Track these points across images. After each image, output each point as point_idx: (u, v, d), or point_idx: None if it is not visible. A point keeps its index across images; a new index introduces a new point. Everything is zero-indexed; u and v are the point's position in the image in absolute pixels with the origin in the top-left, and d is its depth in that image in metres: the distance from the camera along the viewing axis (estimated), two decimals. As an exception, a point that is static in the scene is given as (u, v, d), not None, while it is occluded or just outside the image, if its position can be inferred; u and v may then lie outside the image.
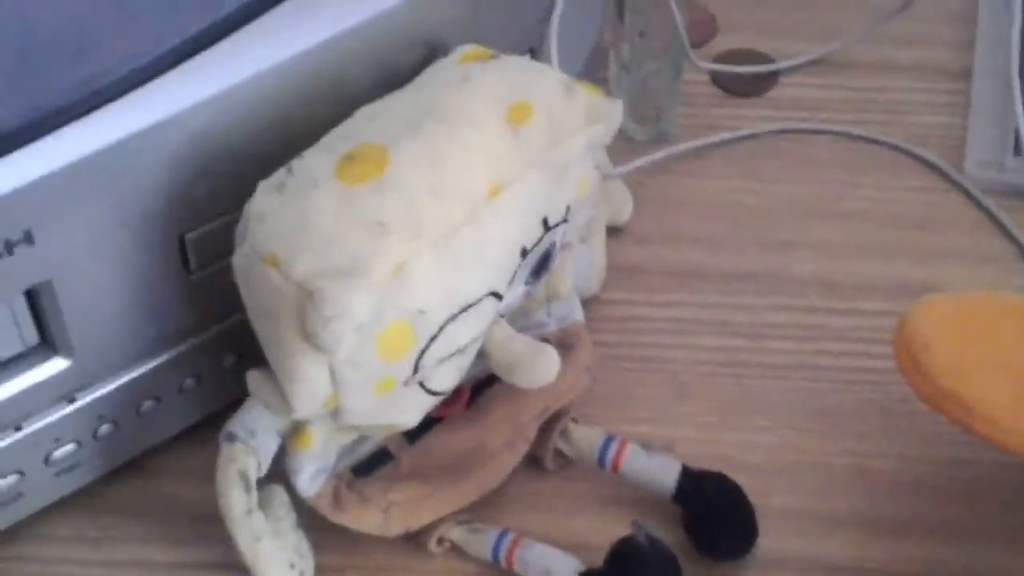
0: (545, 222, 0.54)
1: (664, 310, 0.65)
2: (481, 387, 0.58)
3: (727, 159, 0.71)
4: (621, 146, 0.69)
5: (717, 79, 0.75)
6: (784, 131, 0.72)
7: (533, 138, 0.52)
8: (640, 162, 0.70)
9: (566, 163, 0.53)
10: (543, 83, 0.53)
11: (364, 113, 0.53)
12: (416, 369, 0.52)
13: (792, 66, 0.74)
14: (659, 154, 0.70)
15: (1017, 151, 0.67)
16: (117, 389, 0.56)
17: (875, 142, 0.71)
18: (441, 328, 0.51)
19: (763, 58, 0.75)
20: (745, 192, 0.70)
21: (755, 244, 0.67)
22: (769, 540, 0.56)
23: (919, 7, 0.74)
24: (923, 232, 0.68)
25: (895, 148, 0.71)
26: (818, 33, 0.75)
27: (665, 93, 0.70)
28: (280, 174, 0.51)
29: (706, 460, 0.58)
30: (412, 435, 0.57)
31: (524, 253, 0.53)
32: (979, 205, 0.68)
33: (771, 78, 0.74)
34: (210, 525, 0.54)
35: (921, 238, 0.67)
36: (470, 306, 0.52)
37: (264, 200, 0.51)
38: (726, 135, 0.72)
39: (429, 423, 0.57)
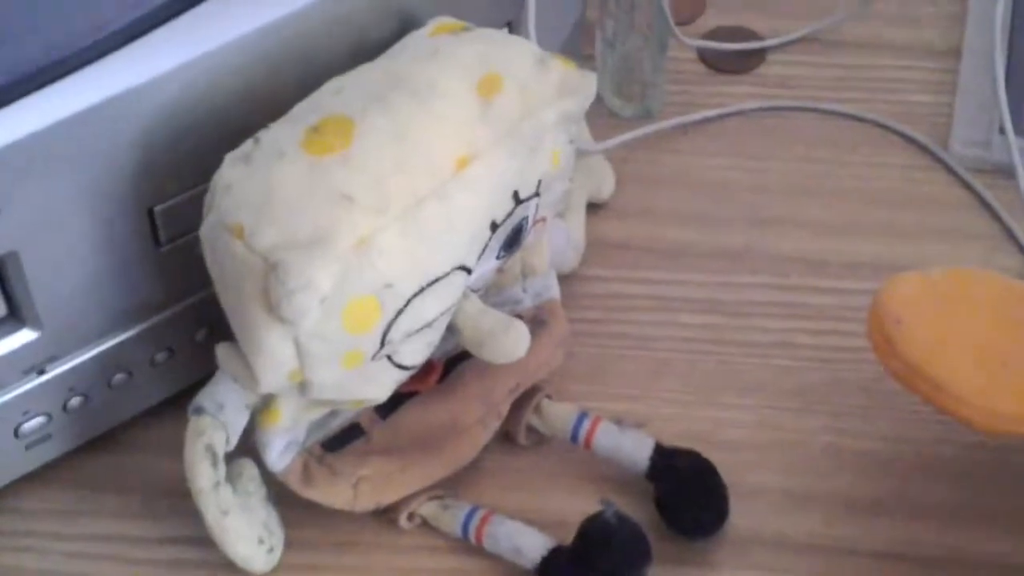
0: (516, 196, 0.53)
1: (644, 287, 0.65)
2: (454, 362, 0.58)
3: (713, 136, 0.70)
4: (605, 122, 0.69)
5: (704, 56, 0.74)
6: (771, 108, 0.71)
7: (504, 111, 0.52)
8: (624, 138, 0.69)
9: (538, 136, 0.53)
10: (515, 56, 0.53)
11: (332, 85, 0.52)
12: (383, 343, 0.51)
13: (780, 43, 0.74)
14: (644, 130, 0.70)
15: (1002, 130, 0.66)
16: (87, 361, 0.56)
17: (862, 120, 0.71)
18: (408, 302, 0.51)
19: (751, 35, 0.75)
20: (730, 169, 0.69)
21: (739, 222, 0.67)
22: (742, 518, 0.56)
23: (907, -16, 0.73)
24: (908, 210, 0.67)
25: (882, 126, 0.70)
26: (806, 11, 0.75)
27: (650, 70, 0.70)
28: (247, 145, 0.51)
29: (681, 438, 0.57)
30: (384, 410, 0.57)
31: (494, 227, 0.53)
32: (964, 183, 0.68)
33: (758, 55, 0.74)
34: (184, 499, 0.54)
35: (906, 216, 0.67)
36: (438, 280, 0.51)
37: (230, 171, 0.50)
38: (712, 112, 0.71)
39: (401, 398, 0.57)
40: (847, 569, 0.55)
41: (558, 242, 0.62)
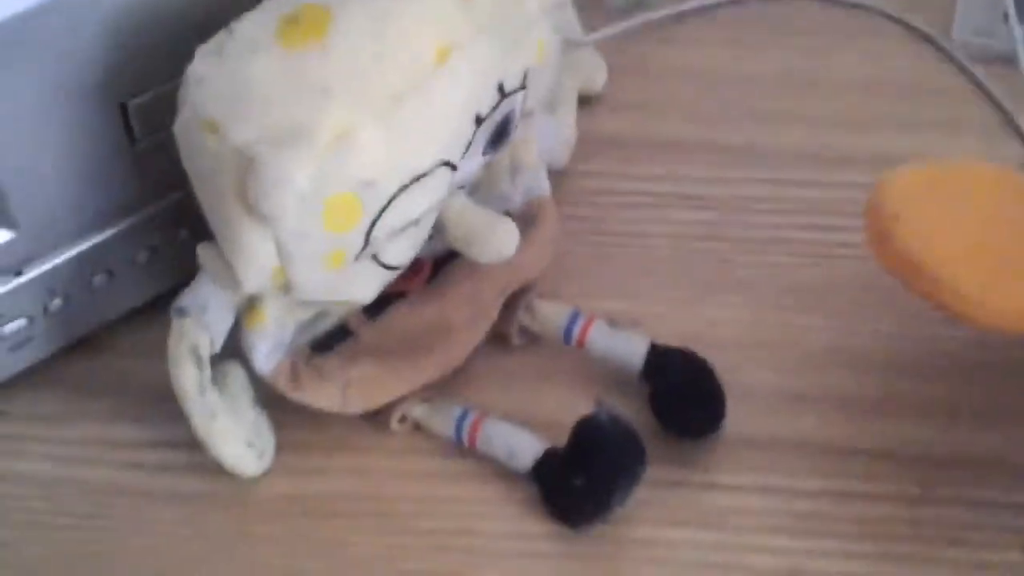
0: (501, 88, 0.51)
1: (637, 183, 0.63)
2: (443, 263, 0.57)
3: (708, 26, 0.69)
4: (596, 12, 0.67)
5: (700, -58, 0.72)
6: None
7: (484, 1, 0.50)
8: (615, 28, 0.67)
9: (520, 26, 0.51)
10: (499, -58, 0.51)
11: (309, -27, 0.50)
12: (367, 242, 0.50)
13: (778, -71, 0.72)
14: (636, 20, 0.68)
15: (1007, 17, 0.64)
16: (66, 262, 0.55)
17: (862, 8, 0.69)
18: (391, 199, 0.49)
19: (748, -80, 0.72)
20: (726, 60, 0.68)
21: (734, 115, 0.65)
22: (737, 418, 0.55)
23: None
24: (908, 101, 0.66)
25: (883, 15, 0.69)
26: None
27: (643, -43, 0.68)
28: (220, 36, 0.49)
29: (676, 337, 0.56)
30: (372, 311, 0.56)
31: (479, 120, 0.51)
32: (966, 73, 0.66)
33: (756, -59, 0.72)
34: (171, 402, 0.53)
35: (905, 107, 0.65)
36: (422, 176, 0.50)
37: (203, 64, 0.49)
38: (708, 0, 0.69)
39: (389, 299, 0.56)
40: (843, 468, 0.54)
41: (547, 137, 0.60)
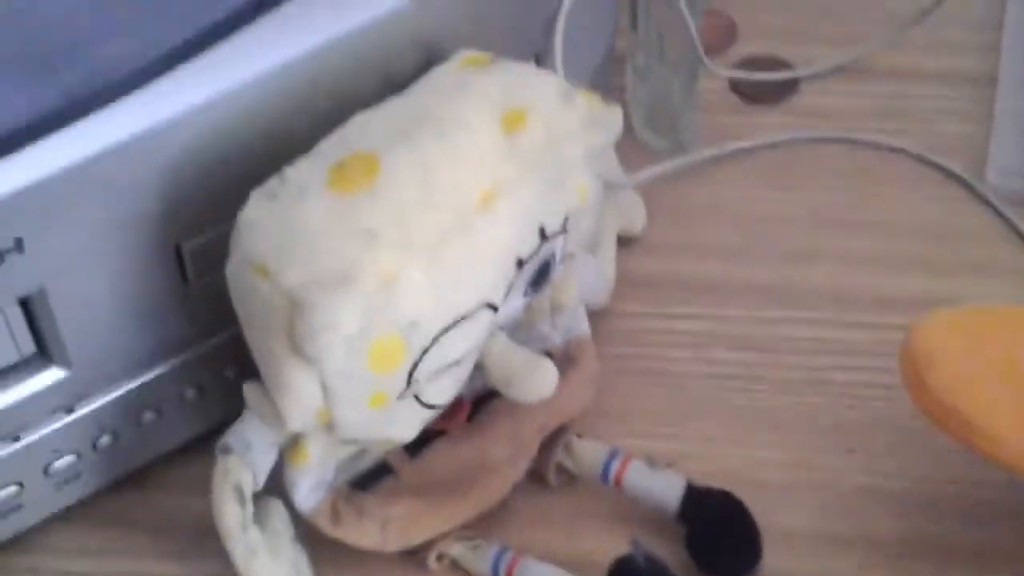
0: (542, 231, 0.53)
1: (676, 322, 0.64)
2: (483, 401, 0.58)
3: (745, 168, 0.70)
4: (636, 155, 0.69)
5: (736, 86, 0.73)
6: (804, 140, 0.70)
7: (528, 145, 0.51)
8: (654, 171, 0.69)
9: (563, 171, 0.53)
10: (540, 89, 0.53)
11: (358, 120, 0.52)
12: (410, 382, 0.51)
13: (813, 73, 0.73)
14: (674, 163, 0.69)
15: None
16: (116, 399, 0.56)
17: (896, 151, 0.70)
18: (434, 340, 0.50)
19: (783, 64, 0.74)
20: (763, 201, 0.68)
21: (772, 255, 0.66)
22: (774, 560, 0.55)
23: (943, 13, 0.72)
24: (942, 243, 0.66)
25: (916, 157, 0.69)
26: (840, 40, 0.74)
27: (681, 101, 0.69)
28: (273, 182, 0.51)
29: (712, 476, 0.57)
30: (413, 449, 0.57)
31: (520, 263, 0.52)
32: (1000, 215, 0.67)
33: (791, 85, 0.73)
34: (213, 538, 0.53)
35: (940, 249, 0.66)
36: (464, 317, 0.51)
37: (255, 208, 0.50)
38: (744, 144, 0.70)
39: (430, 437, 0.56)
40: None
41: (587, 277, 0.61)
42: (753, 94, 0.73)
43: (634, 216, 0.67)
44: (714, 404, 0.61)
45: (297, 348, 0.48)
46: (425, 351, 0.50)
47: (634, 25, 0.67)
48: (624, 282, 0.64)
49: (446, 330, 0.50)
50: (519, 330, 0.58)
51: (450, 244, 0.50)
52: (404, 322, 0.49)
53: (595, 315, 0.61)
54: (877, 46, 0.73)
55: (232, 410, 0.55)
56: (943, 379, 0.51)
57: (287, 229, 0.49)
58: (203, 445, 0.57)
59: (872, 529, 0.56)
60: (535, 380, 0.53)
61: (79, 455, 0.56)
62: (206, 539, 0.54)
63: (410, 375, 0.51)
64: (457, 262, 0.50)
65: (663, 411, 0.61)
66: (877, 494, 0.58)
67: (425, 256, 0.49)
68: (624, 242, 0.66)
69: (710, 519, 0.55)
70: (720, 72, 0.72)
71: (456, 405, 0.56)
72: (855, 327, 0.63)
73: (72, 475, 0.57)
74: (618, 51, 0.70)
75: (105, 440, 0.56)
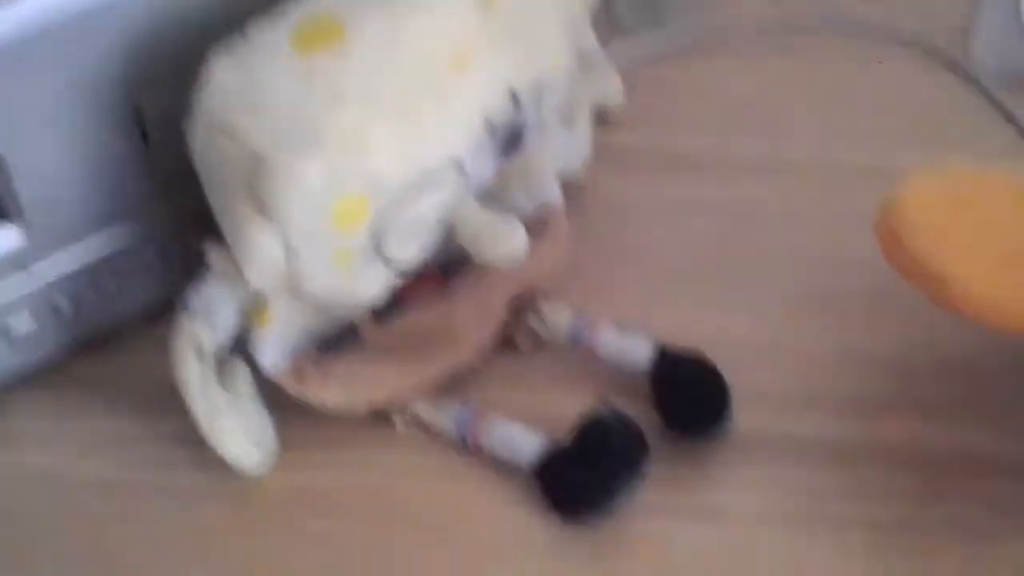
0: (514, 96, 0.52)
1: (651, 194, 0.63)
2: (453, 275, 0.57)
3: (725, 46, 0.69)
4: (614, 30, 0.68)
5: (717, -35, 0.72)
6: (787, 18, 0.69)
7: (502, 10, 0.50)
8: (632, 46, 0.68)
9: (537, 37, 0.52)
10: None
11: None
12: (374, 241, 0.50)
13: (796, -48, 0.72)
14: (653, 39, 0.68)
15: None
16: (76, 261, 0.55)
17: (881, 30, 0.69)
18: (399, 198, 0.50)
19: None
20: (744, 80, 0.68)
21: (751, 130, 0.65)
22: (744, 420, 0.54)
23: None
24: (926, 122, 0.65)
25: (899, 36, 0.68)
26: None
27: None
28: (236, 42, 0.50)
29: (685, 342, 0.56)
30: (380, 315, 0.56)
31: (490, 126, 0.52)
32: (984, 92, 0.66)
33: (773, -36, 0.72)
34: (175, 399, 0.53)
35: (924, 128, 0.65)
36: (429, 173, 0.50)
37: (219, 69, 0.49)
38: (725, 22, 0.69)
39: (398, 304, 0.56)
40: (851, 467, 0.54)
41: (561, 148, 0.60)
42: (735, -27, 0.72)
43: (609, 90, 0.66)
44: (686, 273, 0.60)
45: (261, 207, 0.48)
46: (390, 208, 0.50)
47: None
48: (598, 154, 0.63)
49: (413, 187, 0.50)
50: (492, 201, 0.57)
51: (419, 103, 0.49)
52: (369, 179, 0.49)
53: (569, 188, 0.60)
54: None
55: (194, 276, 0.54)
56: (918, 234, 0.50)
57: (250, 88, 0.49)
58: (167, 312, 0.57)
59: (843, 389, 0.56)
60: (502, 236, 0.53)
61: (38, 317, 0.55)
62: (168, 398, 0.54)
63: (375, 233, 0.50)
64: (425, 123, 0.49)
65: (635, 280, 0.60)
66: (849, 355, 0.57)
67: (392, 117, 0.49)
68: (599, 116, 0.65)
69: (681, 379, 0.55)
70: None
71: (426, 273, 0.55)
72: (832, 198, 0.63)
73: (32, 338, 0.56)
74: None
75: (65, 302, 0.56)
